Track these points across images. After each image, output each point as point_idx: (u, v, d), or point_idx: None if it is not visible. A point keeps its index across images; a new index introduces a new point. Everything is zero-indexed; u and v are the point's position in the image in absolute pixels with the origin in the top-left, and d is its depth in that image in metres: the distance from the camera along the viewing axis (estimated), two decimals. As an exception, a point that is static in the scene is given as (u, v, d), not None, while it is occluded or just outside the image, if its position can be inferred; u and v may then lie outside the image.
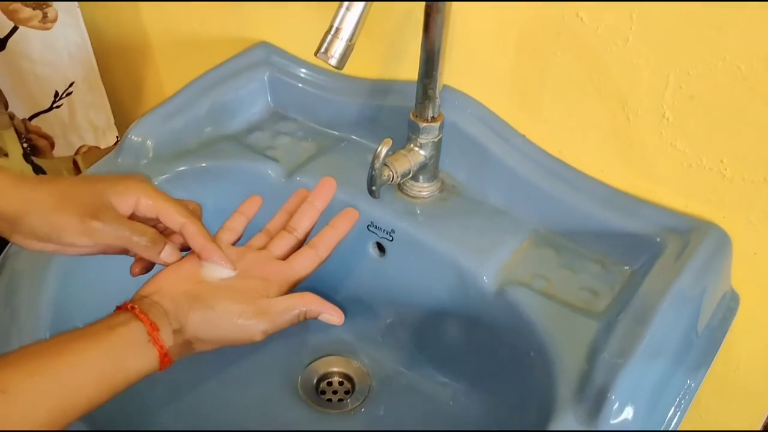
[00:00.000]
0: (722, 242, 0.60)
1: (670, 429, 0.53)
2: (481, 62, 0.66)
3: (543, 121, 0.66)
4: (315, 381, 0.72)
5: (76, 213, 0.49)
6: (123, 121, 1.07)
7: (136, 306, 0.47)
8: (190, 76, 0.79)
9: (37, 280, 0.60)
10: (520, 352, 0.60)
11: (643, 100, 0.58)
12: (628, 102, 0.59)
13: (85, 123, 1.01)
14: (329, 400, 0.71)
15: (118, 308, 0.48)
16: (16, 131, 1.01)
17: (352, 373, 0.73)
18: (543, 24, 0.60)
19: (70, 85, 0.96)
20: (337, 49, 0.51)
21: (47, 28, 0.91)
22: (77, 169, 1.23)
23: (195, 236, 0.51)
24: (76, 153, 1.02)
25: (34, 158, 1.14)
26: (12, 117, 0.99)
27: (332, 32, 0.51)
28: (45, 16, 0.90)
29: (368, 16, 0.52)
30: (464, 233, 0.66)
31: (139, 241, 0.50)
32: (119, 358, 0.45)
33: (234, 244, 0.56)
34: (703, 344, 0.59)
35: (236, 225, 0.56)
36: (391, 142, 0.61)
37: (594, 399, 0.51)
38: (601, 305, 0.60)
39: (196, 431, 0.65)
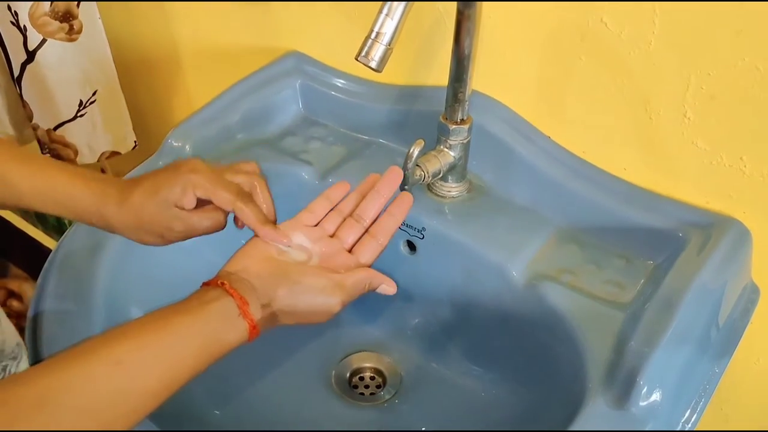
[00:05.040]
0: (743, 236, 0.62)
1: (696, 413, 0.55)
2: (507, 67, 0.69)
3: (567, 122, 0.68)
4: (348, 375, 0.75)
5: (155, 234, 0.56)
6: (147, 128, 1.10)
7: (225, 282, 0.51)
8: (220, 85, 0.82)
9: (88, 275, 0.63)
10: (549, 343, 0.63)
11: (665, 101, 0.61)
12: (650, 103, 0.62)
13: (107, 130, 1.05)
14: (361, 393, 0.73)
15: (206, 284, 0.52)
16: (39, 142, 1.05)
17: (383, 368, 0.75)
18: (568, 29, 0.63)
19: (94, 93, 1.00)
20: (377, 52, 0.54)
21: (73, 40, 0.94)
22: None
23: (247, 220, 0.55)
24: (98, 159, 1.05)
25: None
26: (36, 128, 1.02)
27: (373, 36, 0.54)
28: (71, 28, 0.94)
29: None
30: (492, 231, 0.68)
31: (211, 225, 0.57)
32: (215, 331, 0.49)
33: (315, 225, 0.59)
34: (726, 334, 0.61)
35: (318, 208, 0.59)
36: (423, 143, 0.64)
37: (623, 384, 0.53)
38: (626, 297, 0.62)
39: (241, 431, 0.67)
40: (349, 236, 0.58)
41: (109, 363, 0.44)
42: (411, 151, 0.63)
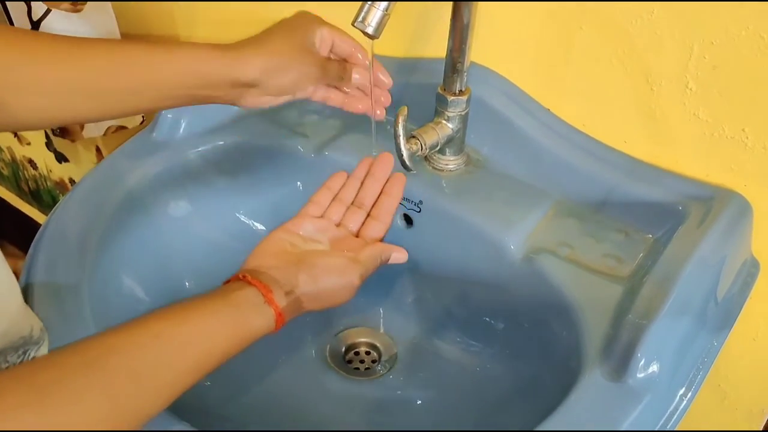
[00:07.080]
0: (743, 210, 0.61)
1: (693, 386, 0.55)
2: (506, 38, 0.68)
3: (567, 94, 0.67)
4: (343, 350, 0.74)
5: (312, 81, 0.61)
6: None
7: (246, 275, 0.52)
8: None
9: (80, 246, 0.62)
10: (546, 316, 0.62)
11: (666, 71, 0.60)
12: (652, 73, 0.61)
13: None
14: (356, 368, 0.73)
15: (226, 282, 0.53)
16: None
17: (378, 343, 0.75)
18: (569, -2, 0.62)
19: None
20: (374, 18, 0.53)
21: (78, 11, 0.93)
22: (99, 153, 1.25)
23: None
24: (105, 133, 1.04)
25: (59, 140, 1.16)
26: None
27: (369, 2, 0.53)
28: (76, -1, 0.92)
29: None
30: (490, 204, 0.68)
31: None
32: (242, 316, 0.50)
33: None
34: (724, 309, 0.60)
35: (321, 199, 0.62)
36: (406, 109, 0.63)
37: (620, 357, 0.53)
38: (625, 271, 0.62)
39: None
40: (354, 223, 0.62)
41: (150, 335, 0.45)
42: (396, 122, 0.63)
